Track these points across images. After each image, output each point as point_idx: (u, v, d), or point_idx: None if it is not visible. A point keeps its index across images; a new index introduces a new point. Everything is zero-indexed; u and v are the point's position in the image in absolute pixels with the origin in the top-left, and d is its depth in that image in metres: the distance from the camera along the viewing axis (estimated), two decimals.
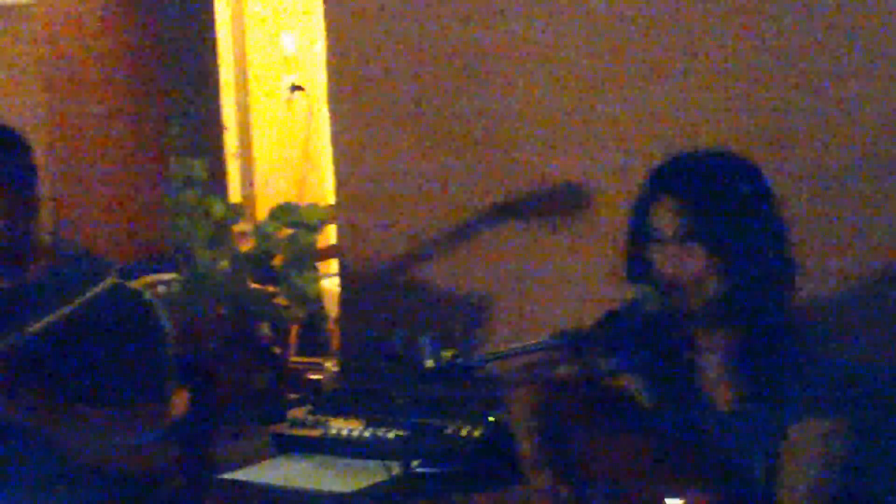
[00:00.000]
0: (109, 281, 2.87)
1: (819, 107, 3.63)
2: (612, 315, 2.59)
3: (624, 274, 2.70)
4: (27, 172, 3.08)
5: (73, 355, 3.00)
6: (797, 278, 2.59)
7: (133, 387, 3.01)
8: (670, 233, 2.56)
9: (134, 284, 2.90)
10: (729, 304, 2.55)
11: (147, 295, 3.07)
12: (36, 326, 2.87)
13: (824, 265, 3.48)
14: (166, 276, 2.88)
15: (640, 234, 2.64)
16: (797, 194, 3.43)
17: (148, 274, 2.89)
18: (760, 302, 2.56)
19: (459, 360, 2.62)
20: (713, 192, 2.55)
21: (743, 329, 2.58)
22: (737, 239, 2.53)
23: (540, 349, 2.58)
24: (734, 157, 2.66)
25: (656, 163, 2.65)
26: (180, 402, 3.37)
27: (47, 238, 3.15)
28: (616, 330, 2.59)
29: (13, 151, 3.08)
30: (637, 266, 2.66)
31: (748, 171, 2.63)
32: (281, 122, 6.17)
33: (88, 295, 2.87)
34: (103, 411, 2.98)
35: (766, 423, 2.54)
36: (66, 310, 2.87)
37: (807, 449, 2.50)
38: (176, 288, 2.74)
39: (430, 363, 2.64)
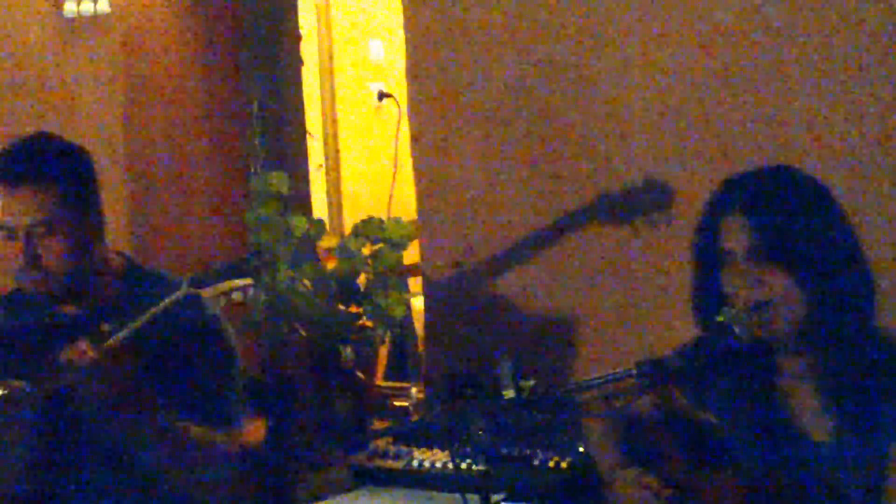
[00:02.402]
0: (182, 291, 2.77)
1: None
2: (700, 340, 2.53)
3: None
4: (92, 191, 3.04)
5: (141, 372, 2.90)
6: (876, 296, 2.49)
7: (200, 408, 2.92)
8: (743, 252, 2.46)
9: (208, 292, 2.78)
10: (812, 326, 2.46)
11: (212, 311, 3.00)
12: (111, 342, 2.77)
13: None
14: (242, 283, 2.77)
15: (708, 255, 2.54)
16: None
17: (222, 281, 2.77)
18: (844, 322, 2.46)
19: (540, 390, 2.53)
20: (783, 208, 2.47)
21: (829, 351, 2.48)
22: (812, 257, 2.44)
23: (624, 378, 2.47)
24: (799, 173, 2.57)
25: (722, 179, 2.57)
26: (256, 430, 3.29)
27: (117, 259, 3.07)
28: (705, 356, 2.51)
29: (77, 170, 3.03)
30: (705, 290, 2.56)
31: (815, 187, 2.53)
32: (369, 132, 6.08)
33: (161, 305, 2.78)
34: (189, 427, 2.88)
35: (866, 450, 2.43)
36: (138, 321, 2.78)
37: None
38: (256, 295, 2.66)
39: (509, 393, 2.55)
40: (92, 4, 4.82)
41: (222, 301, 2.85)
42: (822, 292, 2.43)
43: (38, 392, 2.81)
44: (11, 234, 2.92)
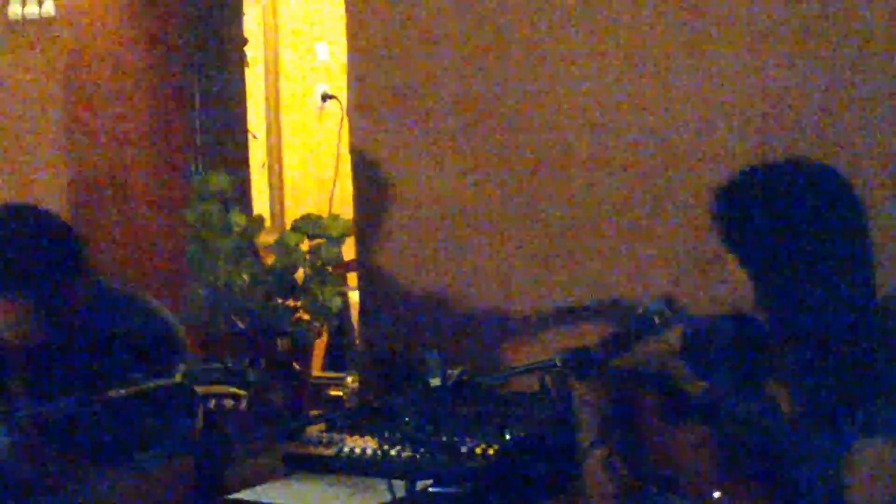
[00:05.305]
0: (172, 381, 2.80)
1: None
2: (621, 333, 2.58)
3: None
4: (82, 271, 3.00)
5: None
6: (876, 295, 2.52)
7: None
8: (738, 239, 2.52)
9: (202, 389, 2.81)
10: (800, 313, 2.50)
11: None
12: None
13: None
14: (235, 391, 2.83)
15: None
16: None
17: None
18: (833, 314, 2.48)
19: (466, 378, 2.62)
20: (787, 201, 2.49)
21: (816, 335, 2.50)
22: (810, 251, 2.47)
23: (548, 367, 2.58)
24: (817, 168, 2.58)
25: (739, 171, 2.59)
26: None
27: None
28: (629, 346, 2.58)
29: (70, 259, 2.98)
30: None
31: (830, 183, 2.55)
32: (313, 133, 6.14)
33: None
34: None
35: (830, 433, 2.47)
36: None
37: (869, 468, 2.43)
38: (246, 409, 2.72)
39: (435, 381, 2.64)
40: (37, 8, 4.81)
41: (212, 402, 2.88)
42: (813, 285, 2.47)
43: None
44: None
